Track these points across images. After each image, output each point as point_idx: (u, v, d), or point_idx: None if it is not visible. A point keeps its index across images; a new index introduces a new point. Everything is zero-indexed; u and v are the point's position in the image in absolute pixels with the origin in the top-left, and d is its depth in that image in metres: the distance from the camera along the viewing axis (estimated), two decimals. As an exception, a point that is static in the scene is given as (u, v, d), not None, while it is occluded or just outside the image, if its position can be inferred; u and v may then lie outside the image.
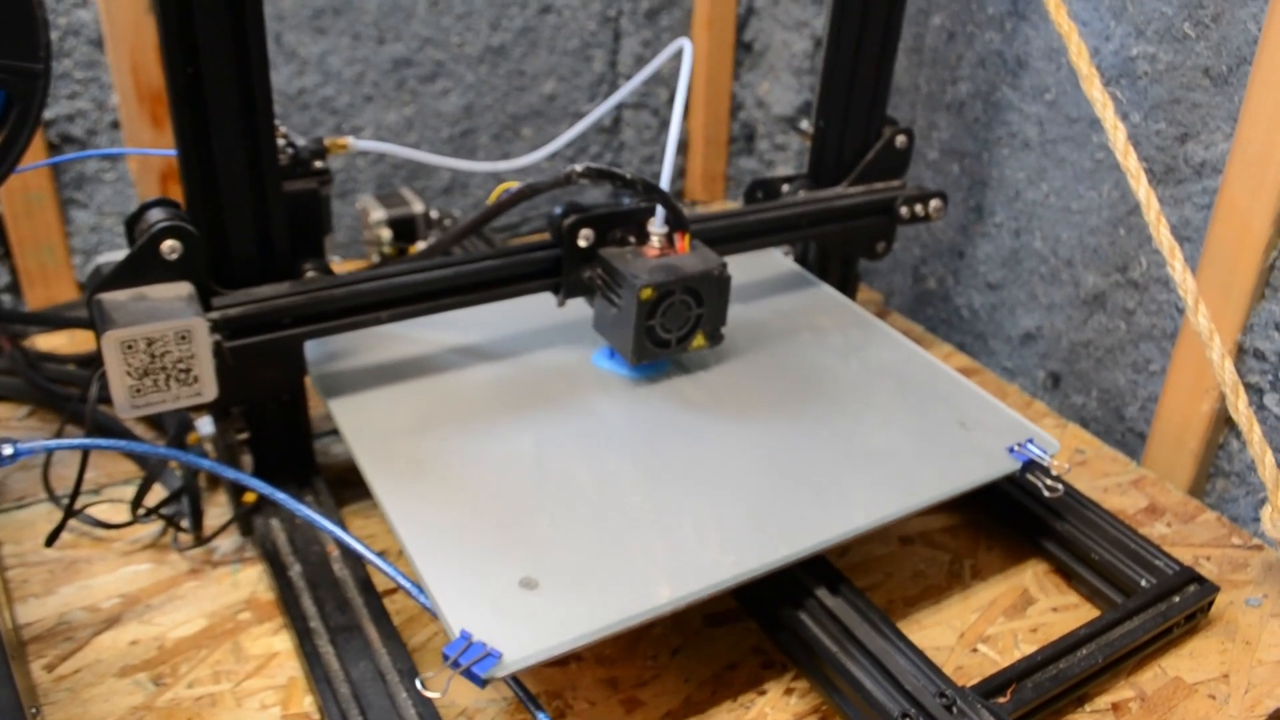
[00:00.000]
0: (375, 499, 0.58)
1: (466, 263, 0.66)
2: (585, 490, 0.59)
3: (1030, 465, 0.65)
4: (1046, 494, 0.65)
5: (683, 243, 0.68)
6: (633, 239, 0.68)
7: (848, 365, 0.73)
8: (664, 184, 0.67)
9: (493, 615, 0.50)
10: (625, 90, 0.82)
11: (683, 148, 1.20)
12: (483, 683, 0.47)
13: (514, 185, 0.68)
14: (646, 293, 0.64)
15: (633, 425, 0.65)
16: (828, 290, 0.83)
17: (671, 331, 0.67)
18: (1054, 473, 0.64)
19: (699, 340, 0.68)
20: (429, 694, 0.49)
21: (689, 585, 0.53)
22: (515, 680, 0.50)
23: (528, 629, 0.49)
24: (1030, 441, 0.66)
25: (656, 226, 0.67)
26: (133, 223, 0.59)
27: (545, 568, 0.53)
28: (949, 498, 0.62)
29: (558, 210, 0.67)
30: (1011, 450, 0.65)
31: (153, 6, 0.86)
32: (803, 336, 0.76)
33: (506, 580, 0.52)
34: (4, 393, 0.79)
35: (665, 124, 1.19)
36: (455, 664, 0.47)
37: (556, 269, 0.68)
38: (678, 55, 0.72)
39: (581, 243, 0.67)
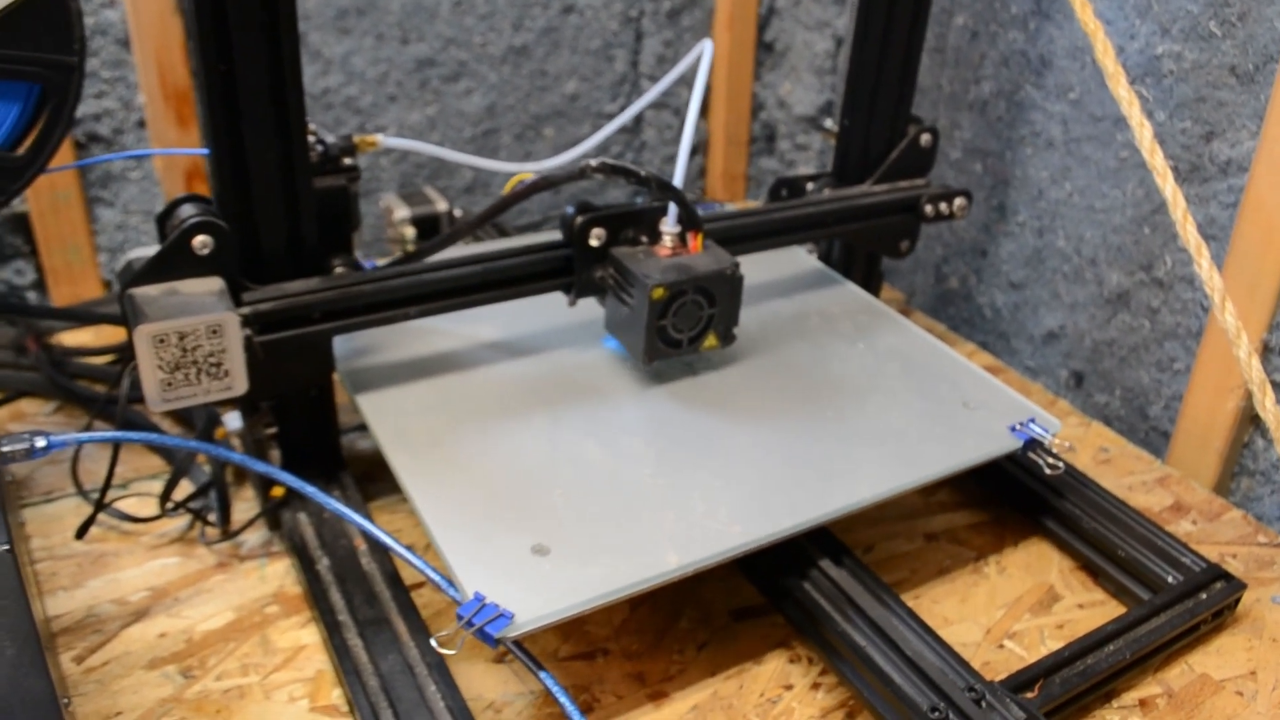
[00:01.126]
0: (394, 475, 0.59)
1: (489, 260, 0.66)
2: (596, 466, 0.61)
3: (1032, 444, 0.66)
4: (1048, 471, 0.66)
5: (695, 242, 0.68)
6: (645, 238, 0.68)
7: (857, 351, 0.74)
8: (677, 181, 0.67)
9: (505, 579, 0.51)
10: (651, 95, 0.83)
11: (704, 147, 1.20)
12: (495, 642, 0.48)
13: (529, 177, 0.68)
14: (658, 292, 0.64)
15: (643, 406, 0.66)
16: (851, 288, 0.83)
17: (683, 331, 0.67)
18: (1054, 451, 0.66)
19: (711, 340, 0.68)
20: (444, 651, 0.50)
21: (696, 553, 0.54)
22: (520, 646, 0.51)
23: (539, 592, 0.51)
24: (1032, 421, 0.67)
25: (669, 226, 0.67)
26: (164, 218, 0.59)
27: (557, 536, 0.55)
28: (953, 473, 0.63)
29: (569, 210, 0.67)
30: (1013, 429, 0.66)
31: (180, 6, 0.87)
32: (822, 330, 0.76)
33: (519, 547, 0.54)
34: (32, 389, 0.80)
35: (687, 124, 1.19)
36: (469, 624, 0.49)
37: (568, 268, 0.68)
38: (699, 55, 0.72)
39: (593, 242, 0.67)
